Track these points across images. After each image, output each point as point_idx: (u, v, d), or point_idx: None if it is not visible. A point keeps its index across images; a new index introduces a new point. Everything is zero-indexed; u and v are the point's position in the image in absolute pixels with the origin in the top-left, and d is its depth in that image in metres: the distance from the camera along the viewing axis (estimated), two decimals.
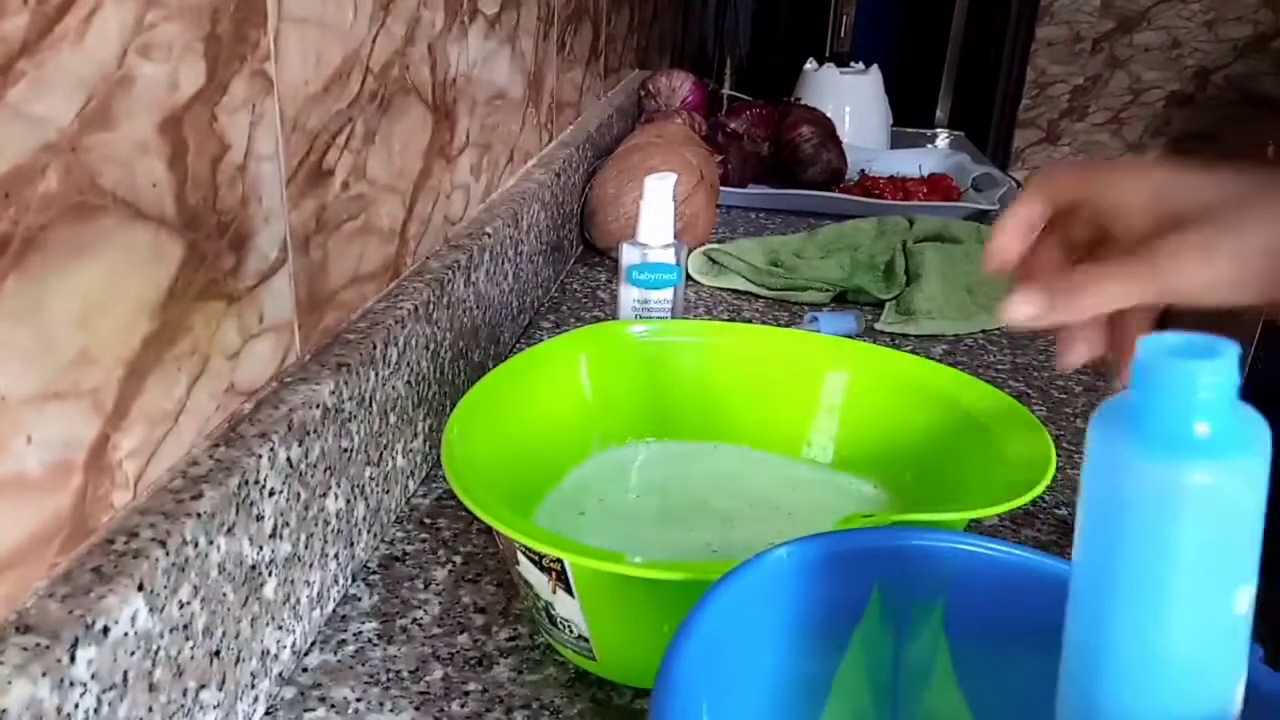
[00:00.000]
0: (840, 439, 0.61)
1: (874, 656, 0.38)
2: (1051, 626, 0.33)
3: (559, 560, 0.42)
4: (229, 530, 0.40)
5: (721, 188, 1.25)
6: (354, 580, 0.54)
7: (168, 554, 0.35)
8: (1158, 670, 0.25)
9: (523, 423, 0.55)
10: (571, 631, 0.45)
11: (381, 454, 0.56)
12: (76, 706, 0.31)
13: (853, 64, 1.74)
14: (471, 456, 0.47)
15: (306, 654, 0.48)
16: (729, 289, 1.02)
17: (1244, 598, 0.25)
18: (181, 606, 0.37)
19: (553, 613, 0.45)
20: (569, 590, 0.43)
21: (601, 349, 0.62)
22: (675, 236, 0.71)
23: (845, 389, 0.62)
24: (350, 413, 0.51)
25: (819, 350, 0.64)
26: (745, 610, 0.34)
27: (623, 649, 0.45)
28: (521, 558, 0.44)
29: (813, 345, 0.64)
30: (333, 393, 0.49)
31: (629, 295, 0.71)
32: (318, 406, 0.47)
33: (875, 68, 1.69)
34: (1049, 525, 0.62)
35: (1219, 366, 0.23)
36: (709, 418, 0.63)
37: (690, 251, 1.06)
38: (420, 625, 0.51)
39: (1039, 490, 0.46)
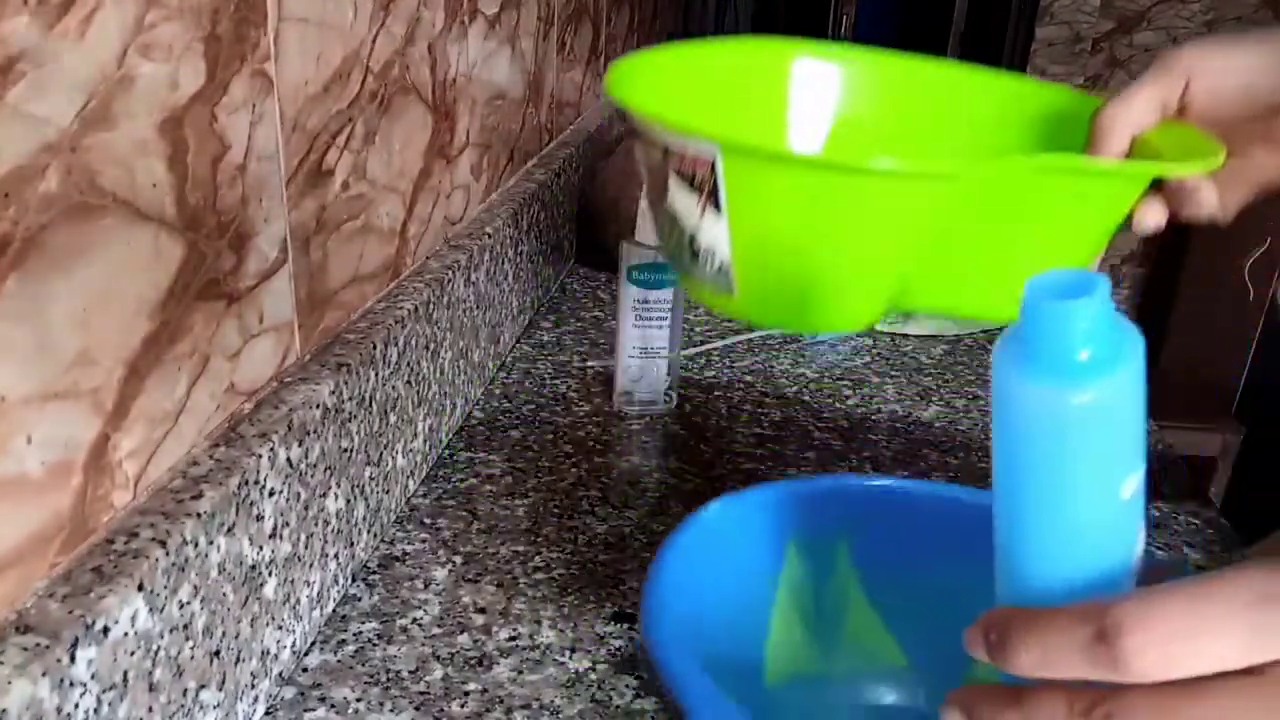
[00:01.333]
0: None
1: (799, 593, 0.45)
2: (941, 538, 0.42)
3: (712, 171, 0.41)
4: (229, 530, 0.40)
5: None
6: (354, 580, 0.54)
7: (168, 554, 0.35)
8: (1065, 548, 0.30)
9: (683, 102, 0.52)
10: (712, 264, 0.44)
11: (381, 454, 0.56)
12: (76, 706, 0.31)
13: None
14: (632, 90, 0.46)
15: (306, 654, 0.48)
16: None
17: (1130, 485, 0.29)
18: (181, 606, 0.37)
19: (696, 244, 0.44)
20: (717, 206, 0.42)
21: (752, 63, 0.58)
22: None
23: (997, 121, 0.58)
24: (350, 413, 0.51)
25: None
26: (693, 559, 0.41)
27: (763, 275, 0.44)
28: (672, 182, 0.43)
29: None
30: (333, 393, 0.49)
31: (629, 295, 0.71)
32: (318, 406, 0.47)
33: None
34: None
35: (1092, 302, 0.26)
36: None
37: None
38: (420, 625, 0.51)
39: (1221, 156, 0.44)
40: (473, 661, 0.49)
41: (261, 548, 0.43)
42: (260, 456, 0.42)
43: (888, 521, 0.46)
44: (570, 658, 0.49)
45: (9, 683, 0.29)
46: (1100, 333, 0.27)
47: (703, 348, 0.87)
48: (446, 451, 0.68)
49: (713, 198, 0.42)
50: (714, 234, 0.43)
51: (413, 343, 0.60)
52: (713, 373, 0.83)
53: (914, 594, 0.44)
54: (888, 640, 0.46)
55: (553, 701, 0.46)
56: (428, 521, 0.60)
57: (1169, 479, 0.69)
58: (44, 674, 0.30)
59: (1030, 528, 0.30)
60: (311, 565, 0.48)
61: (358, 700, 0.46)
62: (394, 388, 0.57)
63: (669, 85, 0.51)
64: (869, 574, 0.46)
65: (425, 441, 0.64)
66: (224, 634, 0.40)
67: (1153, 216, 0.49)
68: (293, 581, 0.46)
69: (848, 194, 0.41)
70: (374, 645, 0.49)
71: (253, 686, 0.43)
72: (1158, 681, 0.27)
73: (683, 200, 0.44)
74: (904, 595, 0.45)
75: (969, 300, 0.47)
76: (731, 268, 0.44)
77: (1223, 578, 0.27)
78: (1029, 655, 0.29)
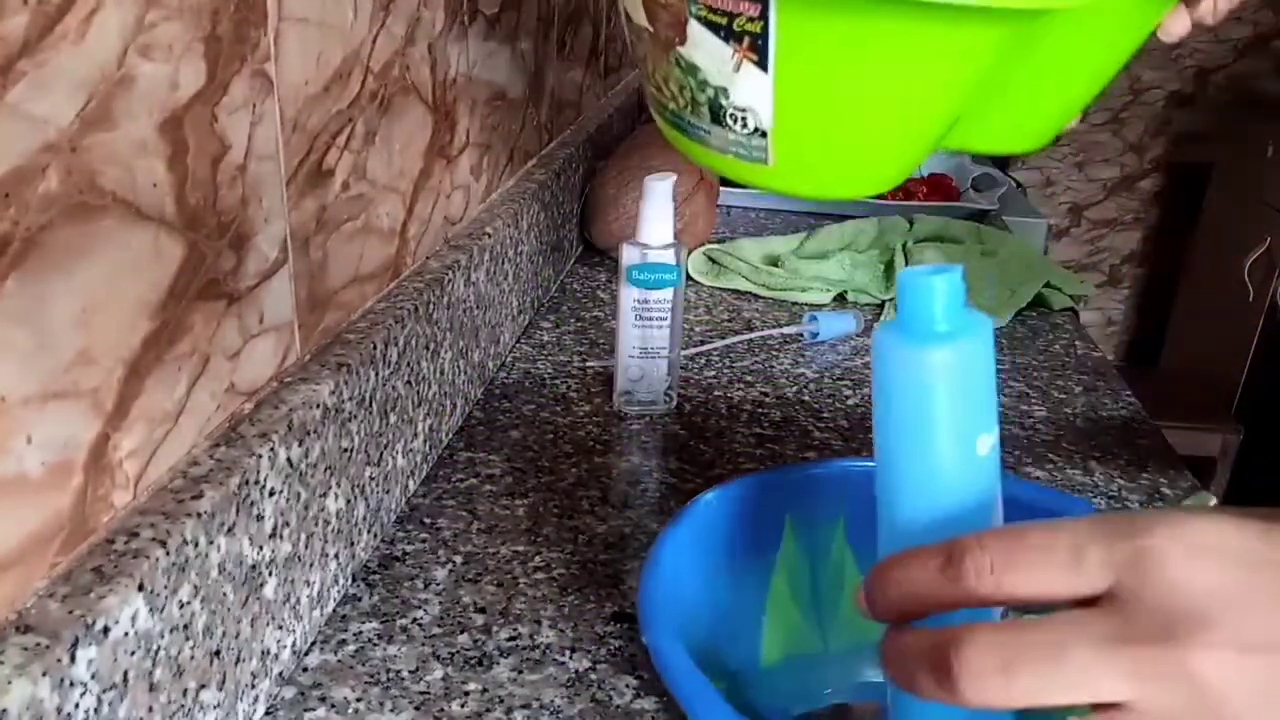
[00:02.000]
0: None
1: (795, 574, 0.47)
2: None
3: (761, 16, 0.35)
4: (229, 530, 0.40)
5: (721, 188, 1.25)
6: (354, 580, 0.54)
7: (168, 554, 0.36)
8: (929, 496, 0.34)
9: None
10: (745, 126, 0.38)
11: (382, 454, 0.56)
12: (77, 706, 0.31)
13: None
14: None
15: (307, 654, 0.48)
16: (729, 289, 1.02)
17: (985, 443, 0.33)
18: (182, 606, 0.37)
19: (722, 104, 0.38)
20: (761, 62, 0.36)
21: None
22: (675, 236, 0.71)
23: None
24: (350, 413, 0.51)
25: None
26: (690, 548, 0.43)
27: (806, 138, 0.39)
28: (695, 29, 0.36)
29: None
30: (333, 393, 0.49)
31: (629, 295, 0.71)
32: (318, 406, 0.47)
33: None
34: None
35: (950, 279, 0.32)
36: None
37: (690, 251, 1.06)
38: (420, 625, 0.51)
39: None
40: (473, 661, 0.49)
41: (262, 548, 0.43)
42: (260, 456, 0.42)
43: None
44: (570, 657, 0.49)
45: (9, 683, 0.29)
46: (956, 308, 0.33)
47: (703, 348, 0.87)
48: (446, 451, 0.68)
49: (756, 49, 0.36)
50: (753, 92, 0.37)
51: (413, 343, 0.60)
52: (713, 373, 0.83)
53: None
54: None
55: (553, 701, 0.46)
56: (428, 521, 0.60)
57: (1169, 479, 0.69)
58: (44, 674, 0.30)
59: (900, 480, 0.34)
60: (312, 565, 0.48)
61: (358, 700, 0.46)
62: (394, 388, 0.57)
63: None
64: (864, 554, 0.47)
65: (425, 441, 0.64)
66: (224, 634, 0.40)
67: (1180, 23, 0.49)
68: (293, 581, 0.46)
69: (925, 36, 0.36)
70: (374, 645, 0.49)
71: (253, 686, 0.43)
72: (996, 601, 0.30)
73: (709, 51, 0.37)
74: None
75: (995, 136, 0.46)
76: (771, 132, 0.38)
77: (1067, 519, 0.30)
78: (891, 593, 0.32)
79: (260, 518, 0.42)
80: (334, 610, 0.52)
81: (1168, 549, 0.28)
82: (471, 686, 0.47)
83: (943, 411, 0.33)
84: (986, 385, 0.34)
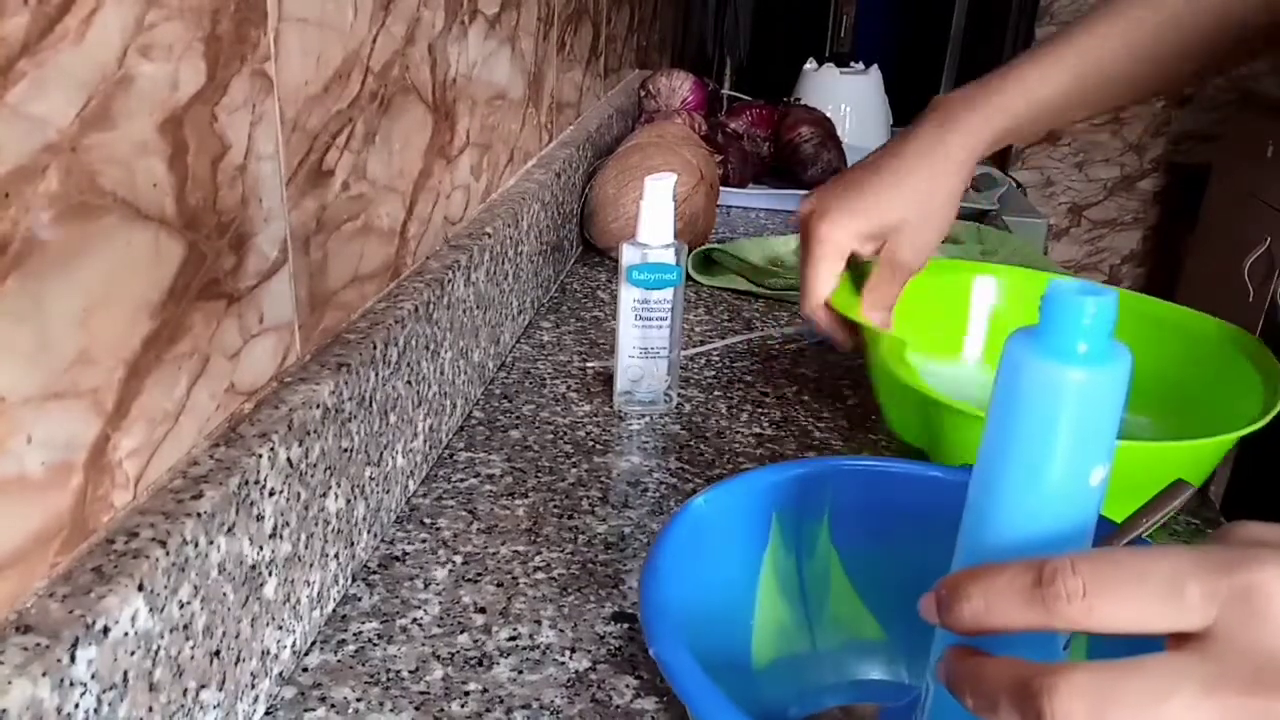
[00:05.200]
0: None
1: (782, 576, 0.48)
2: (917, 515, 0.46)
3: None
4: (229, 530, 0.40)
5: (721, 188, 1.25)
6: (354, 580, 0.54)
7: (168, 554, 0.35)
8: (1029, 513, 0.33)
9: None
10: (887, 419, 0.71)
11: (381, 454, 0.56)
12: (77, 706, 0.31)
13: (853, 64, 1.74)
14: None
15: (307, 654, 0.48)
16: (729, 289, 1.02)
17: (1098, 474, 0.33)
18: (182, 606, 0.37)
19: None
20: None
21: None
22: (675, 236, 0.71)
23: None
24: (350, 413, 0.51)
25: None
26: (684, 550, 0.43)
27: (904, 426, 0.68)
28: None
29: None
30: (333, 393, 0.49)
31: (629, 295, 0.71)
32: (318, 406, 0.47)
33: (875, 68, 1.69)
34: None
35: (1102, 302, 0.31)
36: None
37: (690, 251, 1.06)
38: (420, 625, 0.51)
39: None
40: (473, 661, 0.49)
41: (262, 548, 0.43)
42: (260, 456, 0.42)
43: (865, 500, 0.48)
44: (570, 658, 0.49)
45: (9, 683, 0.29)
46: (1102, 334, 0.31)
47: (703, 348, 0.87)
48: (446, 451, 0.68)
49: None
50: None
51: (413, 343, 0.60)
52: (713, 373, 0.83)
53: (891, 570, 0.46)
54: (867, 616, 0.48)
55: (553, 701, 0.46)
56: (428, 521, 0.60)
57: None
58: (44, 674, 0.30)
59: (1002, 493, 0.33)
60: (311, 565, 0.48)
61: (358, 700, 0.46)
62: (394, 388, 0.57)
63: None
64: (848, 552, 0.48)
65: (425, 441, 0.64)
66: (224, 634, 0.40)
67: None
68: (293, 581, 0.46)
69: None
70: (374, 645, 0.49)
71: (253, 686, 0.43)
72: (1083, 628, 0.28)
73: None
74: (881, 571, 0.47)
75: None
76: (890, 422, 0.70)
77: (1160, 548, 0.29)
78: (972, 604, 0.30)
79: (260, 518, 0.42)
80: (334, 610, 0.52)
81: (1279, 587, 0.27)
82: (471, 686, 0.47)
83: (1065, 433, 0.32)
84: (1112, 417, 0.33)
